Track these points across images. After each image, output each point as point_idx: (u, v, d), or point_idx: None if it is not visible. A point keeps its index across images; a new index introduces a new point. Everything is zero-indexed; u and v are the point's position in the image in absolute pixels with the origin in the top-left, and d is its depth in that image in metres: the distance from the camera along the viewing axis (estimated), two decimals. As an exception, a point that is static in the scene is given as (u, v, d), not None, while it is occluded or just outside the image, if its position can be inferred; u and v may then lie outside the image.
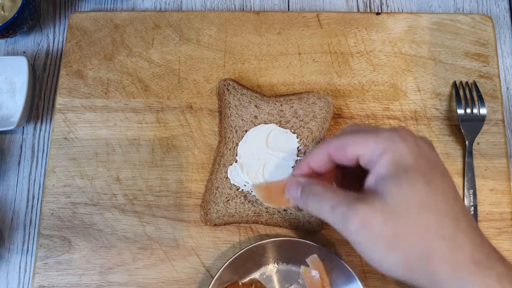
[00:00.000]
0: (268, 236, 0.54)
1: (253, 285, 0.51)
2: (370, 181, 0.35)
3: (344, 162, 0.38)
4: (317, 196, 0.37)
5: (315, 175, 0.40)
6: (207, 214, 0.54)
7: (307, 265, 0.51)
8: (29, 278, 0.57)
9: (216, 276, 0.48)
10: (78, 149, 0.58)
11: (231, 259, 0.49)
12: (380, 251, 0.33)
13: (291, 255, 0.52)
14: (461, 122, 0.57)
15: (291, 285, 0.52)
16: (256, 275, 0.52)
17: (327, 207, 0.35)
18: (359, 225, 0.33)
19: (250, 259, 0.51)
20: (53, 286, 0.53)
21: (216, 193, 0.55)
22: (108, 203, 0.56)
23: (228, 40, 0.62)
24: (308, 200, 0.38)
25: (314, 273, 0.51)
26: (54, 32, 0.66)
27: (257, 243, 0.50)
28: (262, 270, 0.52)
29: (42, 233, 0.55)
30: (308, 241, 0.50)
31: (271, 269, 0.52)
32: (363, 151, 0.36)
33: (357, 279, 0.48)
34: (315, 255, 0.51)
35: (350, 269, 0.49)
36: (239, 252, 0.50)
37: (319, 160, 0.39)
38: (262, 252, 0.51)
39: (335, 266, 0.50)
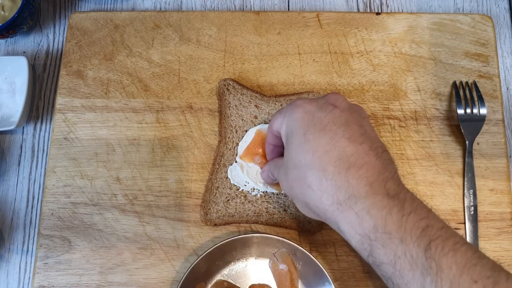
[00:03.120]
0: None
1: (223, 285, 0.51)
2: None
3: (277, 134, 0.46)
4: (268, 171, 0.50)
5: (280, 150, 0.50)
6: (207, 214, 0.54)
7: (276, 259, 0.52)
8: (29, 278, 0.57)
9: (183, 277, 0.48)
10: (78, 149, 0.58)
11: (199, 258, 0.49)
12: (293, 200, 0.47)
13: (261, 250, 0.52)
14: (461, 122, 0.57)
15: (261, 279, 0.52)
16: (225, 271, 0.52)
17: (274, 176, 0.48)
18: (282, 187, 0.46)
19: (220, 256, 0.51)
20: (53, 286, 0.53)
21: (216, 193, 0.55)
22: (108, 203, 0.56)
23: (228, 40, 0.62)
24: (268, 178, 0.51)
25: (282, 266, 0.51)
26: (54, 32, 0.66)
27: (226, 240, 0.50)
28: (231, 266, 0.52)
29: (42, 233, 0.55)
30: (277, 237, 0.50)
31: (241, 265, 0.52)
32: (277, 125, 0.45)
33: (326, 274, 0.48)
34: (283, 249, 0.51)
35: (319, 264, 0.49)
36: (209, 250, 0.49)
37: (270, 138, 0.48)
38: (231, 249, 0.51)
39: (305, 261, 0.50)
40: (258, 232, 0.54)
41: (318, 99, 0.43)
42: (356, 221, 0.37)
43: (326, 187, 0.38)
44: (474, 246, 0.36)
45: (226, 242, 0.50)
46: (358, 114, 0.42)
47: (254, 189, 0.54)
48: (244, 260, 0.53)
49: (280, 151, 0.49)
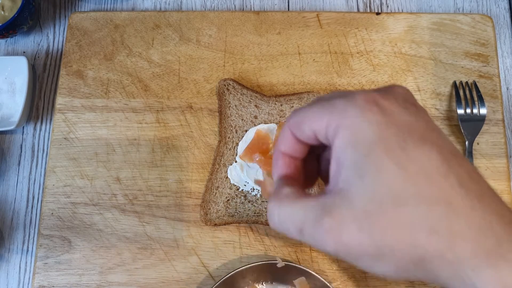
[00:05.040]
0: (268, 236, 0.54)
1: None
2: (332, 171, 0.28)
3: (308, 140, 0.30)
4: (282, 216, 0.30)
5: (298, 165, 0.33)
6: (207, 214, 0.54)
7: (294, 286, 0.51)
8: (29, 278, 0.57)
9: None
10: (78, 149, 0.58)
11: (219, 282, 0.49)
12: (366, 263, 0.27)
13: (280, 276, 0.51)
14: (461, 122, 0.57)
15: None
16: None
17: (294, 231, 0.29)
18: (334, 246, 0.27)
19: (234, 283, 0.51)
20: (53, 286, 0.53)
21: (216, 193, 0.55)
22: (108, 203, 0.56)
23: (228, 40, 0.62)
24: (274, 223, 0.31)
25: None
26: (54, 32, 0.66)
27: (242, 267, 0.50)
28: None
29: (42, 233, 0.55)
30: (300, 266, 0.50)
31: None
32: (317, 126, 0.29)
33: None
34: (303, 278, 0.50)
35: None
36: (223, 279, 0.49)
37: (287, 143, 0.31)
38: (246, 275, 0.51)
39: None
40: (278, 258, 0.52)
41: (388, 92, 0.29)
42: None
43: (462, 229, 0.25)
44: None
45: (247, 267, 0.50)
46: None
47: (254, 189, 0.54)
48: (261, 284, 0.52)
49: (298, 166, 0.32)
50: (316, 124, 0.29)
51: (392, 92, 0.29)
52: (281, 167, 0.32)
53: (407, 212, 0.25)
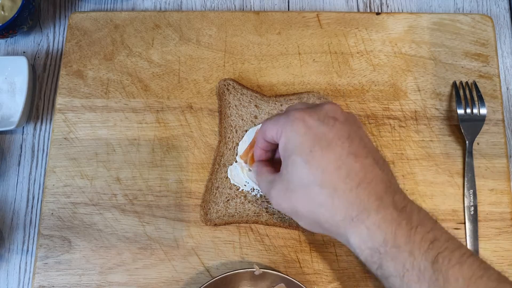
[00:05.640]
0: (268, 236, 0.54)
1: None
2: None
3: (271, 141, 0.45)
4: (260, 184, 0.48)
5: (269, 154, 0.49)
6: (207, 214, 0.54)
7: None
8: (29, 278, 0.57)
9: None
10: (78, 149, 0.58)
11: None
12: (294, 218, 0.44)
13: (259, 284, 0.51)
14: (461, 122, 0.57)
15: None
16: None
17: (264, 192, 0.47)
18: (275, 205, 0.44)
19: None
20: (53, 286, 0.53)
21: (216, 193, 0.55)
22: (108, 203, 0.56)
23: (228, 40, 0.62)
24: (260, 187, 0.48)
25: None
26: (54, 32, 0.66)
27: (223, 274, 0.49)
28: None
29: (42, 233, 0.55)
30: (277, 272, 0.49)
31: None
32: (272, 133, 0.44)
33: None
34: (282, 284, 0.50)
35: None
36: (206, 284, 0.49)
37: (261, 142, 0.47)
38: (229, 282, 0.50)
39: None
40: (257, 265, 0.51)
41: (316, 109, 0.42)
42: (367, 235, 0.38)
43: (338, 205, 0.39)
44: (479, 258, 0.37)
45: (223, 276, 0.49)
46: (355, 125, 0.43)
47: (254, 189, 0.54)
48: None
49: (269, 156, 0.49)
50: (271, 132, 0.44)
51: (319, 109, 0.42)
52: (258, 156, 0.49)
53: (307, 191, 0.40)
